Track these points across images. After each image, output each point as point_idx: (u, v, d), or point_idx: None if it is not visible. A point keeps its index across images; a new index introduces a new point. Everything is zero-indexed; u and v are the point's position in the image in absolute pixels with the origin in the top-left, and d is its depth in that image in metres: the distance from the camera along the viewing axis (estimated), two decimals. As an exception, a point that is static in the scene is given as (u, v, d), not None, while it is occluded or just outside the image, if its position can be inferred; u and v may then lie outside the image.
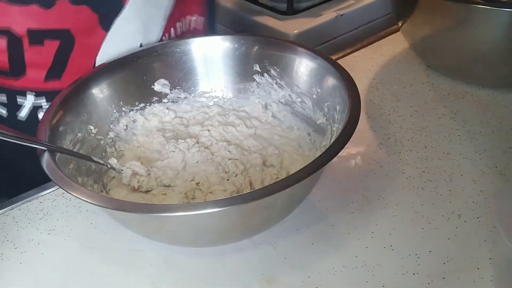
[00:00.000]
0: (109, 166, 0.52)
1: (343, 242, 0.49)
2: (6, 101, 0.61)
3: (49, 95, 0.60)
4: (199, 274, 0.47)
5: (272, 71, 0.59)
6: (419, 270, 0.46)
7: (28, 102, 0.61)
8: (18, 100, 0.61)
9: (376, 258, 0.47)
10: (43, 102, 0.61)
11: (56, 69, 0.59)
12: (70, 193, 0.41)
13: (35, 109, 0.62)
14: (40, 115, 0.62)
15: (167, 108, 0.61)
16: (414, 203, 0.52)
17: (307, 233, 0.50)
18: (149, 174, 0.53)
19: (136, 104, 0.59)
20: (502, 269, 0.44)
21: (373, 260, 0.47)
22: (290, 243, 0.49)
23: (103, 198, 0.45)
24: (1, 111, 0.62)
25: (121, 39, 0.60)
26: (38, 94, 0.61)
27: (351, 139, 0.44)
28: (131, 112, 0.58)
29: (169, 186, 0.53)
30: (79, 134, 0.52)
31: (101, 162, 0.52)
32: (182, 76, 0.61)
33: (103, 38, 0.59)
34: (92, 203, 0.40)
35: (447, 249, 0.47)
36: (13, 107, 0.61)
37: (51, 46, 0.58)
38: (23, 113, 0.62)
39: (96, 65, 0.60)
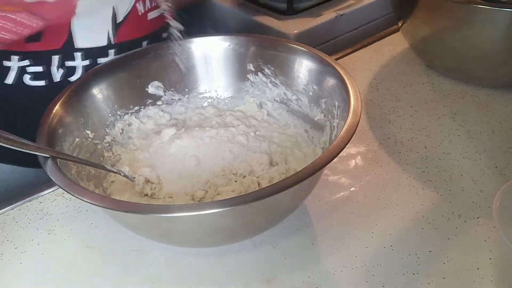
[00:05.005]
0: (122, 174, 0.52)
1: (343, 242, 0.49)
2: None
3: (33, 58, 0.61)
4: (200, 274, 0.47)
5: (267, 70, 0.59)
6: (419, 270, 0.46)
7: (13, 64, 0.61)
8: (4, 63, 0.61)
9: (376, 258, 0.47)
10: (27, 65, 0.62)
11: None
12: (80, 198, 0.40)
13: (21, 73, 0.62)
14: (26, 79, 0.62)
15: (161, 110, 0.60)
16: (414, 203, 0.52)
17: (307, 233, 0.50)
18: (161, 181, 0.53)
19: (131, 107, 0.58)
20: (502, 269, 0.44)
21: (373, 260, 0.47)
22: (290, 243, 0.49)
23: (113, 201, 0.43)
24: None
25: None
26: (22, 58, 0.61)
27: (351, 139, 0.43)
28: (126, 116, 0.58)
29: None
30: (77, 139, 0.52)
31: (114, 170, 0.51)
32: (175, 78, 0.60)
33: None
34: (94, 204, 0.40)
35: (447, 249, 0.47)
36: (0, 70, 0.62)
37: None
38: (10, 79, 0.62)
39: (73, 27, 0.60)
